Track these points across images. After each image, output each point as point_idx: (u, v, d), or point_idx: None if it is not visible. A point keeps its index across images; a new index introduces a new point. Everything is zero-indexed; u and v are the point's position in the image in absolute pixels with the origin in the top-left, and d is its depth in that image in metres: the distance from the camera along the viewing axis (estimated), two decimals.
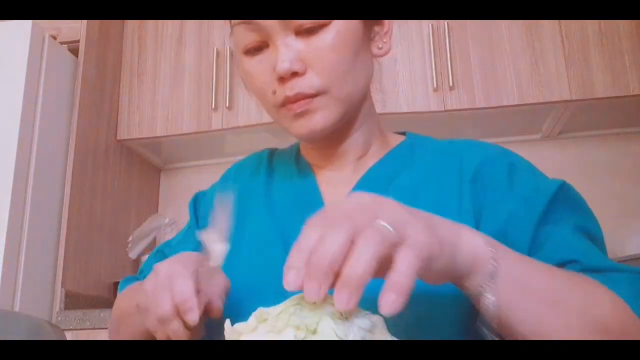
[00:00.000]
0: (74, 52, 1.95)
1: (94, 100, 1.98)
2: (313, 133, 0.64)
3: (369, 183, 0.69)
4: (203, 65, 2.10)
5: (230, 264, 0.71)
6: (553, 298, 0.47)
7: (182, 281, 0.50)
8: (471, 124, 2.06)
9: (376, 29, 0.68)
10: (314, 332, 0.37)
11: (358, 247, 0.37)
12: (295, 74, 0.61)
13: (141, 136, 2.10)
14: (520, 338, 0.47)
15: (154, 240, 2.25)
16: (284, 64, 0.60)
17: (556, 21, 1.91)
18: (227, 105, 2.01)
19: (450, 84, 1.88)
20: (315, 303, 0.39)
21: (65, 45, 1.94)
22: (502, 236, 0.59)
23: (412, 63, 1.94)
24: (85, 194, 1.89)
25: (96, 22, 2.01)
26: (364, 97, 0.69)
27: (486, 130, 2.11)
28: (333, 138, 0.69)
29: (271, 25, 0.61)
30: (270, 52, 0.62)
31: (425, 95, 1.91)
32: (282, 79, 0.61)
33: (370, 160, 0.71)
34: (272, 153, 0.81)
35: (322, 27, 0.61)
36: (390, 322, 0.43)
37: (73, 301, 1.75)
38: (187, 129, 2.05)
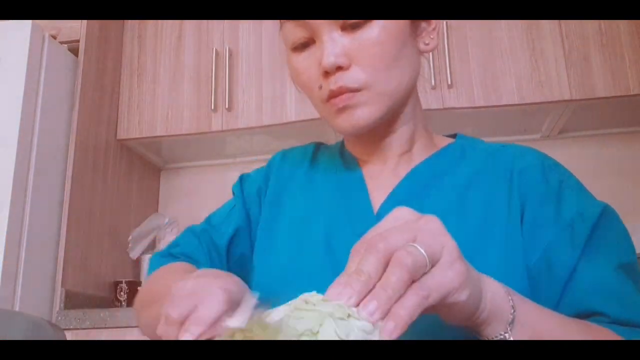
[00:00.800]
0: (74, 52, 1.95)
1: (94, 100, 1.98)
2: (355, 128, 0.64)
3: (417, 178, 0.69)
4: (202, 66, 2.09)
5: (268, 248, 0.72)
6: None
7: (212, 303, 0.46)
8: (471, 123, 2.06)
9: (423, 25, 0.68)
10: (316, 333, 0.37)
11: (389, 268, 0.39)
12: (340, 68, 0.62)
13: (141, 136, 2.10)
14: None
15: (154, 240, 2.25)
16: (329, 59, 0.61)
17: (556, 21, 1.91)
18: (227, 106, 2.01)
19: (449, 82, 1.89)
20: (314, 305, 0.39)
21: (65, 45, 1.94)
22: (544, 262, 0.60)
23: None
24: (85, 193, 1.89)
25: (96, 22, 2.01)
26: (410, 93, 0.68)
27: (486, 129, 2.11)
28: (377, 132, 0.69)
29: (318, 21, 0.62)
30: (317, 47, 0.63)
31: (423, 93, 1.91)
32: (327, 73, 0.62)
33: (416, 157, 0.71)
34: (317, 147, 0.82)
35: (367, 22, 0.62)
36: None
37: (73, 301, 1.75)
38: (187, 130, 2.05)
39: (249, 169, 0.85)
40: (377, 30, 0.62)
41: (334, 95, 0.62)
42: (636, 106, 1.93)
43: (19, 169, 1.65)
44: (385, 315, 0.38)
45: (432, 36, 0.69)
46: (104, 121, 2.04)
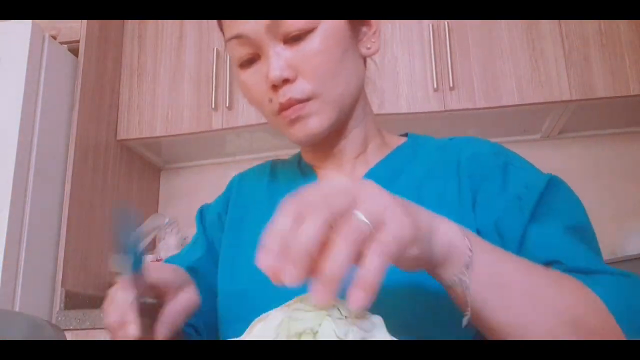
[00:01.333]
0: (74, 52, 1.95)
1: (94, 100, 1.98)
2: (309, 137, 0.65)
3: (373, 180, 0.69)
4: (203, 65, 2.10)
5: (231, 267, 0.72)
6: (527, 292, 0.47)
7: (121, 295, 0.52)
8: (471, 124, 2.06)
9: (364, 29, 0.69)
10: (315, 333, 0.37)
11: (335, 244, 0.37)
12: (286, 81, 0.63)
13: (141, 136, 2.10)
14: (493, 331, 0.47)
15: (154, 240, 2.25)
16: (275, 72, 0.62)
17: (556, 21, 1.91)
18: (227, 105, 2.01)
19: (451, 84, 1.88)
20: (314, 305, 0.39)
21: (65, 45, 1.94)
22: (496, 233, 0.60)
23: (413, 63, 1.94)
24: (85, 193, 1.89)
25: (96, 22, 2.01)
26: (358, 96, 0.70)
27: (486, 130, 2.11)
28: (329, 139, 0.70)
29: (260, 36, 0.63)
30: (263, 62, 0.65)
31: (425, 96, 1.91)
32: (275, 87, 0.64)
33: (371, 159, 0.72)
34: (275, 163, 0.83)
35: (308, 33, 0.63)
36: (398, 321, 0.44)
37: (73, 301, 1.76)
38: (187, 129, 2.05)
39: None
40: (318, 39, 0.63)
41: (284, 107, 0.64)
42: (636, 106, 1.93)
43: (19, 169, 1.65)
44: (332, 299, 0.37)
45: (373, 40, 0.70)
46: (104, 121, 2.04)
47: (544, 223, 0.59)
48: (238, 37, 0.65)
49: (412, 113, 1.90)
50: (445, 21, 1.92)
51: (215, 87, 2.03)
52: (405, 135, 0.78)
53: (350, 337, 0.37)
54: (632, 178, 2.10)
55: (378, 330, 0.39)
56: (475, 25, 1.94)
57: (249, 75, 0.67)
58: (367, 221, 0.38)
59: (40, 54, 1.78)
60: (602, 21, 1.90)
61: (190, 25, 2.14)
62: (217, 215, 0.79)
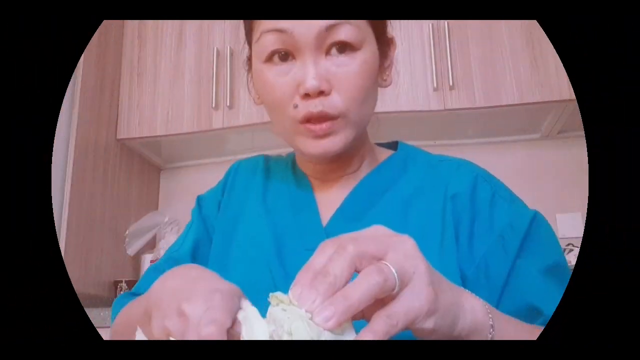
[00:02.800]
0: None
1: (94, 100, 1.98)
2: (327, 154, 0.65)
3: (361, 194, 0.71)
4: (203, 65, 2.09)
5: (222, 261, 0.73)
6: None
7: (213, 329, 0.41)
8: (471, 124, 2.06)
9: (386, 63, 0.71)
10: (290, 334, 0.37)
11: (359, 278, 0.39)
12: (321, 93, 0.62)
13: (141, 135, 2.10)
14: None
15: (154, 238, 2.25)
16: (314, 82, 0.61)
17: None
18: (228, 104, 2.01)
19: (451, 84, 1.88)
20: (291, 304, 0.39)
21: None
22: (482, 273, 0.62)
23: (413, 62, 1.94)
24: (85, 193, 1.90)
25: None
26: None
27: (486, 129, 2.11)
28: (335, 155, 0.70)
29: (307, 39, 0.62)
30: (297, 65, 0.63)
31: (425, 95, 1.91)
32: (307, 95, 0.62)
33: (361, 173, 0.74)
34: (267, 159, 0.84)
35: (351, 51, 0.63)
36: None
37: None
38: (188, 129, 2.05)
39: None
40: (359, 61, 0.63)
41: (313, 118, 0.62)
42: None
43: None
44: (338, 325, 0.37)
45: (388, 73, 0.72)
46: (104, 121, 2.04)
47: (526, 266, 0.61)
48: (280, 31, 0.62)
49: (412, 112, 1.90)
50: (445, 21, 1.92)
51: (216, 86, 2.03)
52: (394, 142, 0.79)
53: (323, 338, 0.37)
54: None
55: (348, 334, 0.39)
56: (475, 25, 1.94)
57: (276, 74, 0.64)
58: (396, 274, 0.39)
59: None
60: None
61: (190, 24, 2.14)
62: (217, 205, 0.79)
